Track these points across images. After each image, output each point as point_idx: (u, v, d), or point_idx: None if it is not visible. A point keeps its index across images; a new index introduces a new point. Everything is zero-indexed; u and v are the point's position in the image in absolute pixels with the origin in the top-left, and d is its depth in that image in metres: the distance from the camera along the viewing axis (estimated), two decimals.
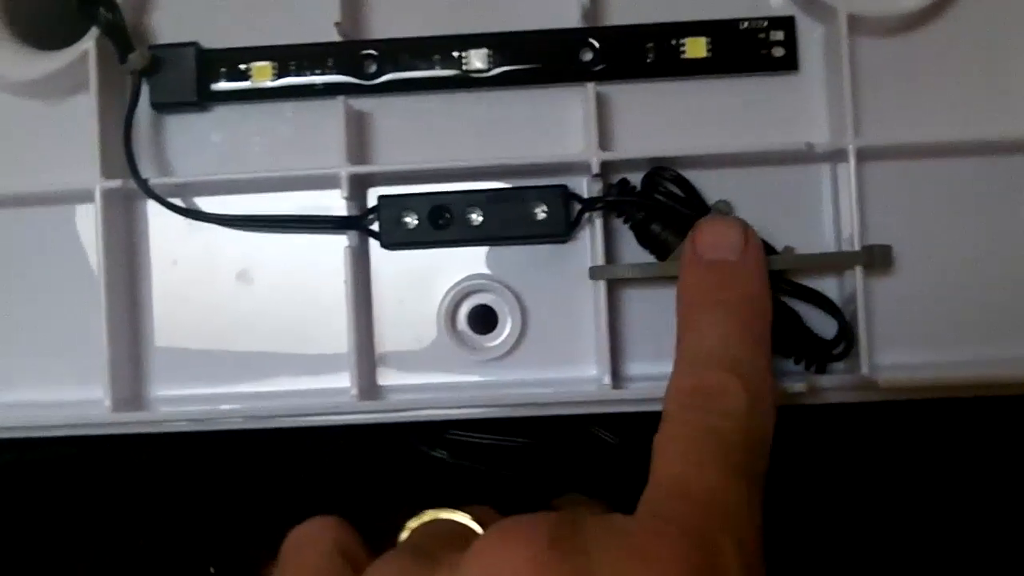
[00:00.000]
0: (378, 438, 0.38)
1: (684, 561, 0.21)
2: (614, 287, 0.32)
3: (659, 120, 0.33)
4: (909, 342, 0.32)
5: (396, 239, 0.32)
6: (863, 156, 0.31)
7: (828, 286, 0.32)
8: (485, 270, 0.33)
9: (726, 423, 0.25)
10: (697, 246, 0.28)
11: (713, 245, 0.28)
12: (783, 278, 0.31)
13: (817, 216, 0.32)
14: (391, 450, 0.39)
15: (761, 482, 0.25)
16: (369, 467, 0.40)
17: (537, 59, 0.33)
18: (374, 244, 0.33)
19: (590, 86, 0.32)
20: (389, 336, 0.33)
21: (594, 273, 0.31)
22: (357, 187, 0.32)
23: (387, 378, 0.33)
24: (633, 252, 0.32)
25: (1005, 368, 0.31)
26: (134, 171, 0.32)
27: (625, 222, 0.32)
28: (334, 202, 0.33)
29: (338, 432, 0.33)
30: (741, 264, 0.28)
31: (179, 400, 0.33)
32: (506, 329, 0.33)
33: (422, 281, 0.33)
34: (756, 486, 0.25)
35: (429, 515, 0.28)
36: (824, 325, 0.32)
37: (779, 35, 0.32)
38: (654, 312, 0.32)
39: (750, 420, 0.25)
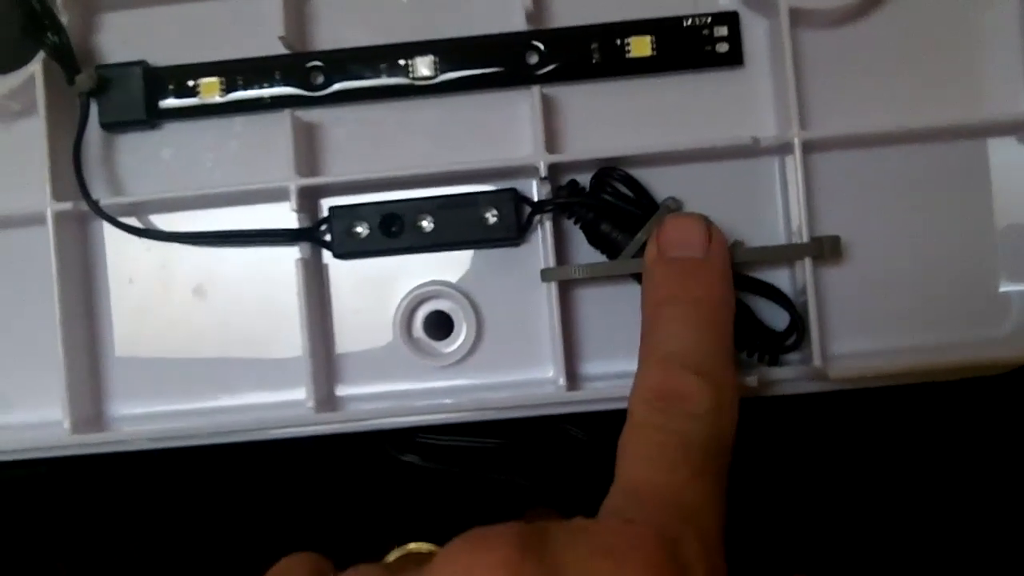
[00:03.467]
0: (348, 445, 0.38)
1: (649, 557, 0.22)
2: (566, 288, 0.32)
3: (607, 120, 0.33)
4: (861, 331, 0.32)
5: (348, 249, 0.32)
6: (809, 148, 0.31)
7: (780, 278, 0.32)
8: (439, 276, 0.33)
9: (690, 425, 0.25)
10: (661, 244, 0.28)
11: (677, 243, 0.28)
12: (735, 272, 0.32)
13: (767, 209, 0.33)
14: (362, 456, 0.39)
15: (724, 479, 0.25)
16: (339, 474, 0.40)
17: (483, 64, 0.33)
18: (328, 254, 0.33)
19: (535, 89, 0.32)
20: (347, 345, 0.33)
21: (545, 275, 0.31)
22: (307, 199, 0.33)
23: (346, 388, 0.33)
24: (585, 252, 0.32)
25: (954, 353, 0.31)
26: (85, 193, 0.32)
27: (575, 223, 0.32)
28: (288, 214, 0.33)
29: (306, 439, 0.33)
30: (705, 262, 0.28)
31: (140, 418, 0.33)
32: (462, 334, 0.33)
33: (378, 289, 0.33)
34: (719, 484, 0.25)
35: (413, 547, 0.28)
36: (777, 317, 0.32)
37: (723, 31, 0.33)
38: (608, 311, 0.33)
39: (714, 420, 0.25)
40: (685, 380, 0.26)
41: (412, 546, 0.28)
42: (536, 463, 0.38)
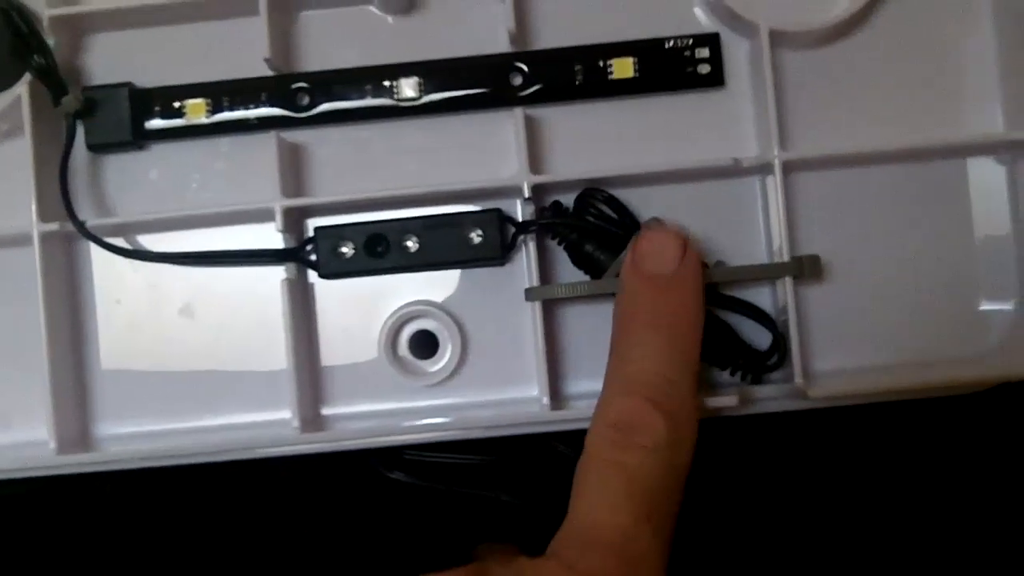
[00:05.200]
0: (335, 462, 0.38)
1: None
2: (551, 307, 0.33)
3: (590, 141, 0.33)
4: (842, 349, 0.32)
5: (334, 269, 0.32)
6: (789, 168, 0.32)
7: (762, 297, 0.33)
8: (425, 296, 0.33)
9: (643, 459, 0.25)
10: (636, 255, 0.29)
11: (651, 254, 0.28)
12: (716, 291, 0.32)
13: (748, 229, 0.33)
14: (349, 473, 0.40)
15: (672, 522, 0.25)
16: (327, 491, 0.40)
17: (467, 85, 0.33)
18: (314, 274, 0.33)
19: (519, 110, 0.32)
20: (333, 364, 0.33)
21: (529, 294, 0.32)
22: (293, 219, 0.33)
23: (331, 407, 0.33)
24: (569, 272, 0.33)
25: (935, 371, 0.32)
26: (71, 214, 0.32)
27: (559, 243, 0.32)
28: (273, 234, 0.33)
29: (293, 457, 0.33)
30: (676, 278, 0.28)
31: (126, 438, 0.33)
32: (447, 353, 0.33)
33: (363, 309, 0.34)
34: (666, 528, 0.25)
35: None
36: (759, 336, 0.32)
37: (704, 52, 0.33)
38: (592, 330, 0.33)
39: (669, 453, 0.25)
40: (642, 412, 0.26)
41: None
42: (523, 479, 0.39)
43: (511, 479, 0.39)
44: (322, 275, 0.32)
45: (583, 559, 0.24)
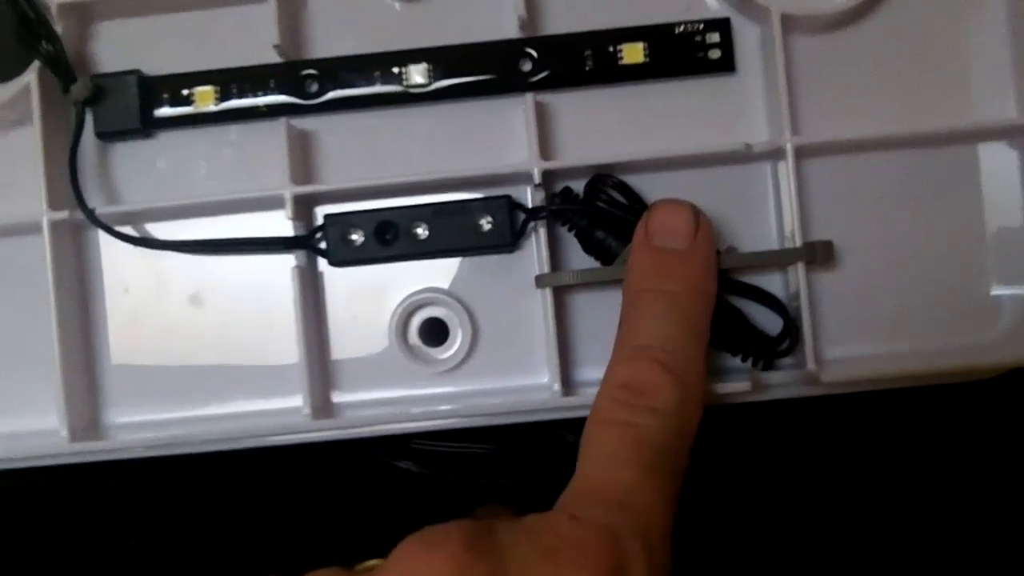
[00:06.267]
0: (343, 451, 0.38)
1: (588, 557, 0.22)
2: (561, 294, 0.33)
3: (600, 127, 0.33)
4: (854, 335, 0.32)
5: (343, 257, 0.32)
6: (801, 153, 0.32)
7: (774, 283, 0.32)
8: (434, 283, 0.33)
9: (652, 421, 0.25)
10: (648, 228, 0.28)
11: (664, 229, 0.28)
12: (728, 277, 0.32)
13: (760, 215, 0.33)
14: (357, 462, 0.39)
15: (678, 479, 0.25)
16: (334, 480, 0.40)
17: (477, 71, 0.33)
18: (324, 262, 0.33)
19: (529, 96, 0.32)
20: (343, 352, 0.33)
21: (540, 281, 0.32)
22: (302, 207, 0.33)
23: (341, 395, 0.33)
24: (579, 258, 0.33)
25: (947, 357, 0.32)
26: (80, 201, 0.32)
27: (569, 230, 0.32)
28: (283, 222, 0.33)
29: (302, 446, 0.33)
30: (689, 253, 0.28)
31: (137, 426, 0.33)
32: (457, 340, 0.33)
33: (373, 297, 0.33)
34: (673, 486, 0.25)
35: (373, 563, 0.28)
36: (770, 322, 0.32)
37: (715, 37, 0.33)
38: (602, 317, 0.33)
39: (677, 418, 0.25)
40: (652, 374, 0.26)
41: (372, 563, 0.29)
42: (531, 469, 0.39)
43: (519, 469, 0.39)
44: (332, 263, 0.32)
45: (589, 512, 0.24)
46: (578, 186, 0.32)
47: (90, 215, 0.32)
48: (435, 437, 0.37)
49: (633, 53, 0.33)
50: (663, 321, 0.27)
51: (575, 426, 0.37)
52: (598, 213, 0.32)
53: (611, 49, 0.33)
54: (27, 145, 0.32)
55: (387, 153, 0.33)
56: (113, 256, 0.34)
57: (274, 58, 0.33)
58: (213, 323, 0.34)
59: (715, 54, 0.33)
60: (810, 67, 0.33)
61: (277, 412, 0.33)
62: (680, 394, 0.25)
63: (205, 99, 0.33)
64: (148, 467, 0.34)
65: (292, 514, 0.40)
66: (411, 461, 0.39)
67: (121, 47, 0.34)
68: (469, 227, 0.32)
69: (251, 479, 0.39)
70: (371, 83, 0.33)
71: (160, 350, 0.34)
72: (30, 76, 0.32)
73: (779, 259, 0.32)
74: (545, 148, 0.32)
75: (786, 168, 0.31)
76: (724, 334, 0.31)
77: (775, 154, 0.32)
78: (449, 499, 0.39)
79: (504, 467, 0.39)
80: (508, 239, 0.32)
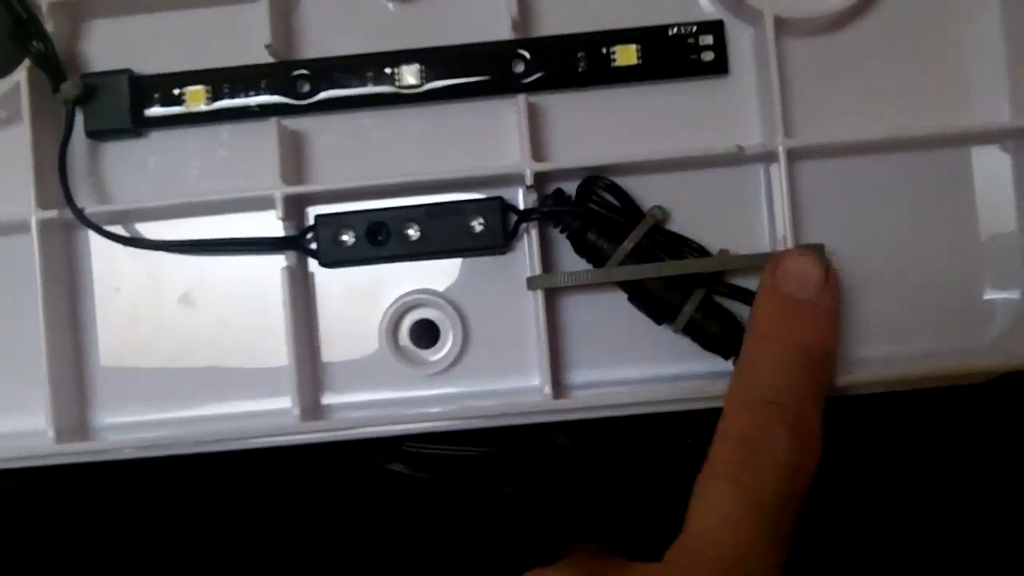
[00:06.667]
0: (335, 453, 0.38)
1: None
2: (552, 296, 0.32)
3: (593, 128, 0.33)
4: (845, 339, 0.32)
5: (334, 257, 0.32)
6: (794, 156, 0.32)
7: None
8: (426, 284, 0.33)
9: (770, 483, 0.25)
10: (777, 275, 0.28)
11: (793, 278, 0.28)
12: (721, 279, 0.32)
13: (752, 217, 0.33)
14: (348, 465, 0.39)
15: (788, 543, 0.25)
16: (326, 483, 0.40)
17: (469, 72, 0.33)
18: (314, 263, 0.33)
19: (521, 97, 0.32)
20: (333, 354, 0.33)
21: (531, 283, 0.31)
22: (293, 207, 0.33)
23: (332, 396, 0.33)
24: (571, 260, 0.32)
25: (939, 361, 0.31)
26: (70, 201, 0.32)
27: (561, 232, 0.32)
28: (274, 222, 0.33)
29: (293, 448, 0.33)
30: (818, 305, 0.28)
31: (125, 427, 0.33)
32: (448, 342, 0.33)
33: (364, 298, 0.33)
34: (785, 547, 0.25)
35: None
36: None
37: (708, 39, 0.33)
38: (594, 319, 0.33)
39: (795, 480, 0.25)
40: (773, 432, 0.25)
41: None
42: (524, 471, 0.38)
43: (512, 471, 0.39)
44: (323, 264, 0.32)
45: (703, 570, 0.23)
46: (570, 188, 0.32)
47: (79, 214, 0.32)
48: (427, 440, 0.37)
49: (626, 55, 0.33)
50: (787, 373, 0.26)
51: (568, 429, 0.37)
52: (590, 215, 0.31)
53: (604, 51, 0.33)
54: (17, 144, 0.32)
55: (379, 154, 0.33)
56: (103, 256, 0.34)
57: (266, 58, 0.33)
58: (203, 323, 0.33)
59: (708, 56, 0.33)
60: (803, 69, 0.33)
61: (267, 413, 0.33)
62: (800, 455, 0.25)
63: (196, 99, 0.33)
64: (138, 468, 0.33)
65: (284, 516, 0.40)
66: (403, 464, 0.39)
67: (112, 46, 0.34)
68: (461, 228, 0.32)
69: (242, 481, 0.39)
70: (363, 83, 0.33)
71: (150, 350, 0.33)
72: (20, 75, 0.32)
73: None
74: (537, 149, 0.32)
75: (778, 171, 0.31)
76: (716, 337, 0.31)
77: (768, 156, 0.32)
78: (441, 502, 0.39)
79: (497, 470, 0.39)
80: (500, 240, 0.32)
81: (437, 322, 0.33)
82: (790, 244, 0.31)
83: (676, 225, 0.32)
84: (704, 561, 0.24)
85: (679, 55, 0.33)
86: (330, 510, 0.40)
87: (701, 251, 0.31)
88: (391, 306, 0.33)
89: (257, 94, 0.33)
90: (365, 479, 0.39)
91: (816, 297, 0.28)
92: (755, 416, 0.26)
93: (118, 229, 0.33)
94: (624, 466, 0.37)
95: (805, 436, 0.25)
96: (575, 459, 0.38)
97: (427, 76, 0.33)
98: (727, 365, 0.32)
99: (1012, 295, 0.32)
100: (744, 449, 0.25)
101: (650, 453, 0.36)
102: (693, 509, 0.25)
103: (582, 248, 0.32)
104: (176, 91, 0.33)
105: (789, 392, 0.26)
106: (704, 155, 0.32)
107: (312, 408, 0.32)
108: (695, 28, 0.33)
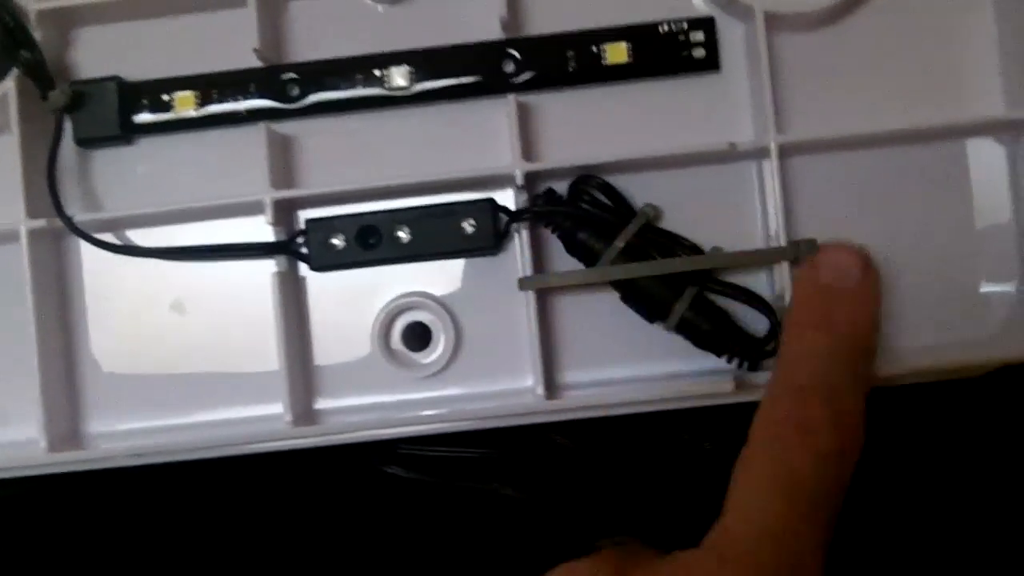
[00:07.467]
0: (331, 457, 0.38)
1: None
2: (545, 296, 0.32)
3: (584, 127, 0.33)
4: None
5: (325, 261, 0.32)
6: (786, 152, 0.31)
7: (759, 283, 0.32)
8: (417, 287, 0.33)
9: (811, 466, 0.24)
10: (817, 264, 0.28)
11: (832, 267, 0.28)
12: (713, 277, 0.31)
13: (745, 214, 0.33)
14: (345, 468, 0.39)
15: (832, 527, 0.25)
16: (323, 486, 0.40)
17: (458, 73, 0.33)
18: (305, 267, 0.33)
19: (511, 97, 0.32)
20: (325, 358, 0.33)
21: (523, 284, 0.31)
22: (283, 212, 0.32)
23: (324, 401, 0.33)
24: (563, 260, 0.32)
25: (936, 355, 0.31)
26: (59, 209, 0.31)
27: (553, 232, 0.32)
28: (264, 227, 0.32)
29: (288, 453, 0.33)
30: (858, 292, 0.28)
31: (118, 435, 0.33)
32: (440, 345, 0.33)
33: (356, 301, 0.33)
34: (827, 532, 0.24)
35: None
36: (757, 322, 0.32)
37: (699, 36, 0.32)
38: (586, 319, 0.32)
39: (835, 463, 0.25)
40: (812, 413, 0.25)
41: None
42: (521, 472, 0.38)
43: (509, 472, 0.38)
44: (313, 268, 0.32)
45: (743, 552, 0.23)
46: (562, 187, 0.32)
47: (68, 223, 0.32)
48: (422, 442, 0.36)
49: (616, 53, 0.32)
50: (828, 360, 0.26)
51: (565, 428, 0.37)
52: (582, 214, 0.31)
53: (594, 49, 0.32)
54: (6, 153, 0.32)
55: (369, 156, 0.33)
56: (94, 263, 0.34)
57: (254, 62, 0.33)
58: (195, 330, 0.33)
59: (699, 53, 0.32)
60: (795, 65, 0.32)
61: (260, 419, 0.32)
62: (841, 440, 0.25)
63: (185, 104, 0.33)
64: (131, 476, 0.33)
65: (280, 522, 0.40)
66: (399, 466, 0.38)
67: (100, 53, 0.34)
68: (452, 230, 0.32)
69: (237, 487, 0.39)
70: (352, 86, 0.33)
71: (142, 358, 0.33)
72: (8, 83, 0.32)
73: (764, 258, 0.31)
74: (528, 149, 0.32)
75: (771, 167, 0.31)
76: (711, 335, 0.31)
77: (760, 153, 0.32)
78: (438, 503, 0.39)
79: (493, 470, 0.38)
80: (491, 242, 0.31)
81: (429, 324, 0.33)
82: (783, 241, 0.31)
83: (668, 223, 0.32)
84: (742, 545, 0.24)
85: (670, 52, 0.32)
86: (327, 514, 0.40)
87: (693, 249, 0.31)
88: (383, 309, 0.33)
89: (246, 98, 0.33)
90: (361, 482, 0.39)
91: (855, 287, 0.28)
92: (795, 401, 0.26)
93: (108, 237, 0.33)
94: (622, 464, 0.37)
95: (846, 422, 0.25)
96: (573, 458, 0.37)
97: (416, 78, 0.33)
98: (720, 363, 0.31)
99: (1008, 288, 0.32)
100: (786, 431, 0.25)
101: (647, 451, 0.36)
102: (733, 489, 0.25)
103: (574, 248, 0.32)
104: (165, 97, 0.33)
105: (828, 379, 0.26)
106: (696, 152, 0.32)
107: (305, 413, 0.32)
108: (686, 25, 0.32)
